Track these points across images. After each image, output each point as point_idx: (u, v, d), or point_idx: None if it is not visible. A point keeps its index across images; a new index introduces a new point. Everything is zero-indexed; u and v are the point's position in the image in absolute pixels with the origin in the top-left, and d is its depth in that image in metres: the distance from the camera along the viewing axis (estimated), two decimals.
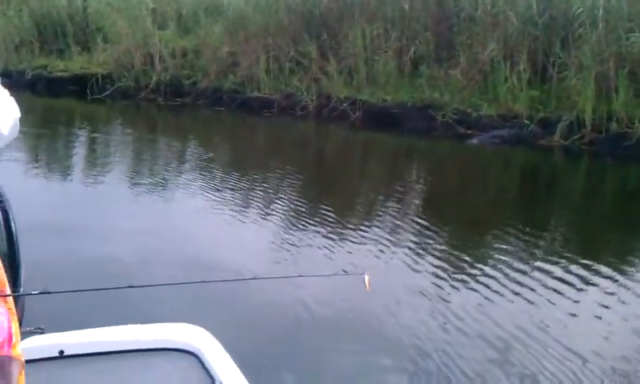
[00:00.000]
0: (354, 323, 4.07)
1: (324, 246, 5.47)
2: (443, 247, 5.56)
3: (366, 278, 3.41)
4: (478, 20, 11.02)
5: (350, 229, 5.94)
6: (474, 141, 9.65)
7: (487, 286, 4.65)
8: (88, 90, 13.30)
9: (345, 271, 4.23)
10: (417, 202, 7.06)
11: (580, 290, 4.65)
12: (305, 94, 11.98)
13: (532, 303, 4.44)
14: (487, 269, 4.99)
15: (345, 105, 11.53)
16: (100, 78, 13.52)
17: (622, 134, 9.03)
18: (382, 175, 8.62)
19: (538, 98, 10.18)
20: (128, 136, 11.29)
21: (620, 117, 9.16)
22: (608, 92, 9.46)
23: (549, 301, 4.44)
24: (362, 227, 5.99)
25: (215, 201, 6.93)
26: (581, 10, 9.87)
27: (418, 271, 4.99)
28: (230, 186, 7.52)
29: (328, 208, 6.51)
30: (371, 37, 11.91)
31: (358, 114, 11.40)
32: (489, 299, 4.47)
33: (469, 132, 10.08)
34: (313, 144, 10.81)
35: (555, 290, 4.61)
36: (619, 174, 8.68)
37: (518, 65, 10.14)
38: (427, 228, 6.00)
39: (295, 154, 9.96)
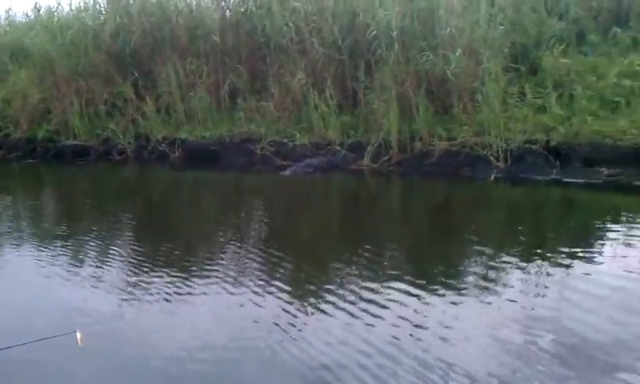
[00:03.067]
0: None
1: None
2: (286, 275, 5.49)
3: (78, 335, 3.22)
4: (287, 49, 11.12)
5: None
6: (287, 172, 9.72)
7: (343, 311, 4.61)
8: None
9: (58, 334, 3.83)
10: (236, 239, 6.81)
11: (426, 300, 4.73)
12: (122, 137, 11.62)
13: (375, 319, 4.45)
14: (331, 293, 4.95)
15: (164, 145, 11.30)
16: None
17: (425, 152, 9.39)
18: (203, 214, 8.35)
19: (349, 123, 10.42)
20: None
21: (422, 135, 9.52)
22: (410, 112, 9.81)
23: (393, 316, 4.45)
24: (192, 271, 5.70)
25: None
26: (375, 31, 10.18)
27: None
28: (60, 245, 6.91)
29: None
30: (185, 72, 11.72)
31: (177, 153, 11.22)
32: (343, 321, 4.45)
33: (284, 163, 10.14)
34: (130, 189, 10.44)
35: (401, 304, 4.65)
36: (426, 189, 9.01)
37: (324, 92, 10.28)
38: (257, 260, 5.90)
39: (113, 202, 9.52)
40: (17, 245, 6.95)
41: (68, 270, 5.92)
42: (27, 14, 15.04)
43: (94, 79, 12.17)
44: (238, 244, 6.51)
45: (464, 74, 9.72)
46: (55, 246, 6.78)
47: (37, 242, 7.05)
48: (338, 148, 10.03)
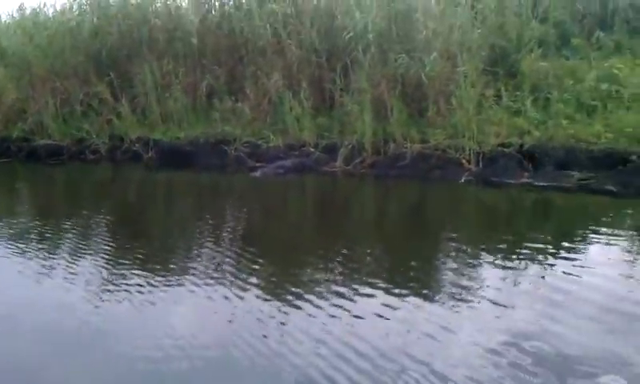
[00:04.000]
0: None
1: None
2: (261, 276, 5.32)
3: None
4: (264, 51, 11.00)
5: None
6: (257, 173, 9.54)
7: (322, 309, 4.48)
8: None
9: None
10: (209, 239, 6.58)
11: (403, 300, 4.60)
12: (96, 137, 11.46)
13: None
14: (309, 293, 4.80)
15: (137, 145, 11.14)
16: None
17: (398, 154, 9.23)
18: (174, 214, 8.14)
19: (324, 125, 10.28)
20: None
21: (396, 138, 9.37)
22: (384, 114, 9.67)
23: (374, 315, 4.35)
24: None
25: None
26: (351, 34, 10.06)
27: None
28: (31, 244, 6.63)
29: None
30: (162, 74, 11.59)
31: (150, 153, 11.05)
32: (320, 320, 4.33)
33: (257, 165, 9.98)
34: (102, 189, 10.23)
35: (376, 303, 4.54)
36: (398, 191, 8.84)
37: (300, 94, 10.15)
38: (236, 260, 5.71)
39: (87, 199, 9.33)
40: None
41: (41, 267, 5.77)
42: (12, 15, 14.91)
43: (71, 80, 12.04)
44: (212, 243, 6.30)
45: (439, 77, 9.59)
46: (28, 244, 6.58)
47: (10, 239, 6.80)
48: (312, 150, 9.86)
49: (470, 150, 8.70)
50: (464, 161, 8.69)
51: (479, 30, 9.99)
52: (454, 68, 9.57)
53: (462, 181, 8.40)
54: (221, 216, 7.82)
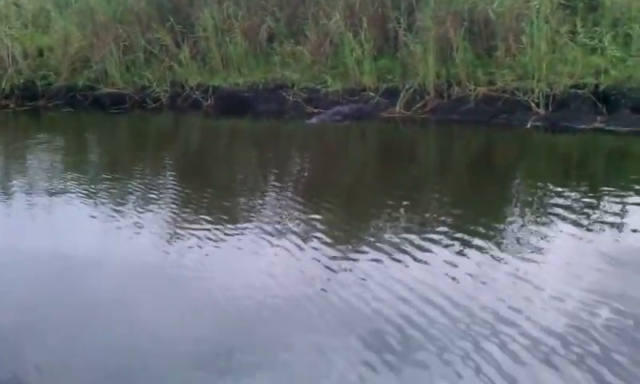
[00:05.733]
0: None
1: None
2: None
3: None
4: None
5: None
6: (314, 120, 9.16)
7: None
8: None
9: None
10: (270, 187, 6.41)
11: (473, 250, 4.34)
12: (157, 85, 11.34)
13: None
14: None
15: (197, 93, 10.96)
16: None
17: (462, 97, 8.66)
18: (233, 163, 7.94)
19: (386, 68, 9.76)
20: None
21: (461, 80, 8.77)
22: (449, 55, 9.06)
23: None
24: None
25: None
26: None
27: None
28: (101, 191, 6.65)
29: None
30: (222, 17, 11.28)
31: (210, 101, 10.84)
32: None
33: (315, 110, 9.59)
34: (166, 137, 10.13)
35: (443, 254, 4.32)
36: (463, 136, 8.31)
37: (360, 34, 9.62)
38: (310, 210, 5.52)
39: (151, 149, 9.32)
40: (63, 189, 6.73)
41: (112, 214, 5.77)
42: None
43: (133, 26, 11.90)
44: (274, 192, 6.14)
45: (509, 13, 8.84)
46: (99, 192, 6.56)
47: (82, 188, 6.76)
48: (372, 95, 9.37)
49: (539, 92, 8.00)
50: (532, 104, 8.00)
51: None
52: (526, 2, 8.79)
53: (529, 126, 7.75)
54: (281, 164, 7.53)
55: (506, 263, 4.04)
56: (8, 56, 12.56)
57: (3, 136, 10.96)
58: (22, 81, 12.51)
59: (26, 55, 12.64)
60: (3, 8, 13.39)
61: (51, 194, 6.57)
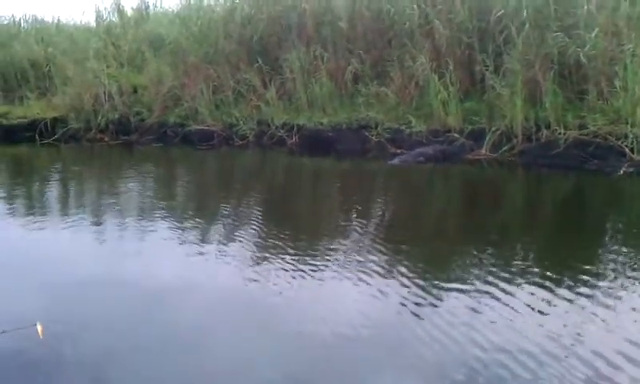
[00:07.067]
0: None
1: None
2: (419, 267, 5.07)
3: (39, 328, 3.16)
4: (411, 33, 10.56)
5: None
6: (395, 161, 9.13)
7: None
8: (36, 135, 13.07)
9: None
10: (361, 229, 6.43)
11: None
12: (243, 123, 11.63)
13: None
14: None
15: (282, 131, 11.17)
16: (49, 122, 13.29)
17: (551, 141, 8.48)
18: (317, 201, 8.07)
19: (472, 110, 9.67)
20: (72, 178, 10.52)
21: (550, 123, 8.59)
22: (538, 98, 8.91)
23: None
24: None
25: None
26: (502, 11, 9.34)
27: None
28: (190, 222, 6.85)
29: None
30: (309, 59, 11.52)
31: (294, 139, 11.02)
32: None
33: (398, 151, 9.59)
34: (252, 172, 10.36)
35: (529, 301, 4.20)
36: (553, 181, 8.12)
37: (445, 76, 9.61)
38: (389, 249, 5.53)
39: (238, 183, 9.50)
40: (154, 218, 6.99)
41: (199, 247, 5.86)
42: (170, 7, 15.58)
43: (223, 67, 12.29)
44: (357, 232, 6.09)
45: (602, 57, 8.63)
46: (188, 225, 6.69)
47: (173, 220, 6.94)
48: (457, 136, 9.29)
49: (633, 137, 7.74)
50: (626, 149, 7.73)
51: None
52: (620, 45, 8.57)
53: (622, 172, 7.48)
54: (363, 204, 7.45)
55: (596, 315, 3.88)
56: (104, 93, 13.18)
57: (98, 167, 11.45)
58: (116, 116, 13.06)
59: (121, 92, 13.22)
60: (102, 48, 14.06)
61: (140, 223, 6.79)
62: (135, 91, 13.46)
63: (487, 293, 4.29)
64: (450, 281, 4.59)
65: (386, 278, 4.73)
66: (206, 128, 12.05)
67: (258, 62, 12.00)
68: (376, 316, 4.08)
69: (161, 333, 4.04)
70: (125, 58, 14.01)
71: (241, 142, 11.53)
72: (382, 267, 4.96)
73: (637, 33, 8.56)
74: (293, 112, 11.57)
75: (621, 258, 4.90)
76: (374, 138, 10.11)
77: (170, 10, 15.08)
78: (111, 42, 14.29)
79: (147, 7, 16.31)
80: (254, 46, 12.39)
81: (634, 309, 3.96)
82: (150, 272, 5.19)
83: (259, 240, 5.96)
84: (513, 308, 4.04)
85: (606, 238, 5.64)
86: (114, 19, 16.16)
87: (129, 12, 16.29)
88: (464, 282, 4.54)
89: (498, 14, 9.48)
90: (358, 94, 11.10)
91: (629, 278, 4.47)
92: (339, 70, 11.43)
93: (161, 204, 7.84)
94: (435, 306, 4.15)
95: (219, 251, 5.65)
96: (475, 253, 5.20)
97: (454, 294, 4.33)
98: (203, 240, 6.03)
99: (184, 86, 12.59)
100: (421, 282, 4.57)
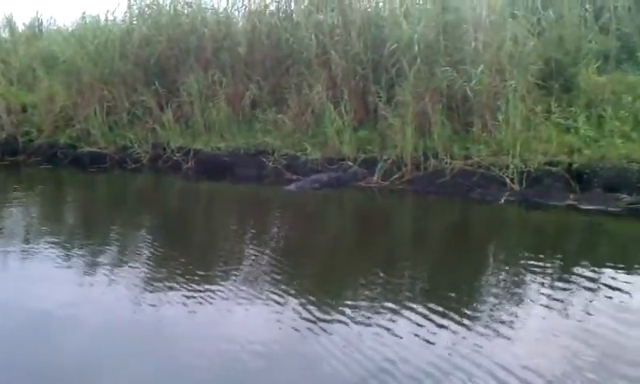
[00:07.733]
0: None
1: None
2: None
3: None
4: (308, 62, 10.72)
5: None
6: (292, 187, 9.21)
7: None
8: None
9: None
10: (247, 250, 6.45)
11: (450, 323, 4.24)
12: (138, 145, 11.41)
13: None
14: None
15: (178, 155, 11.03)
16: None
17: (439, 170, 8.77)
18: (211, 225, 7.94)
19: (366, 139, 9.89)
20: None
21: (438, 153, 8.90)
22: (427, 129, 9.22)
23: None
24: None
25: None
26: (395, 45, 9.66)
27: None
28: (77, 247, 6.63)
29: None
30: (207, 83, 11.47)
31: (190, 163, 10.90)
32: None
33: (294, 177, 9.67)
34: (144, 197, 10.13)
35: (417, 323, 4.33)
36: (439, 209, 8.38)
37: (340, 105, 9.80)
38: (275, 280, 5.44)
39: (128, 208, 9.30)
40: (40, 244, 6.72)
41: (87, 270, 5.78)
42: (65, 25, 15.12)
43: (118, 88, 12.04)
44: (250, 256, 6.17)
45: (486, 92, 9.05)
46: (74, 249, 6.51)
47: (58, 245, 6.70)
48: (351, 164, 9.47)
49: (514, 168, 8.14)
50: (507, 179, 8.12)
51: (533, 43, 9.38)
52: (503, 82, 9.02)
53: (502, 201, 7.84)
54: (258, 229, 7.53)
55: (474, 339, 4.04)
56: None
57: None
58: (3, 136, 12.52)
59: (9, 111, 12.68)
60: None
61: (25, 249, 6.53)
62: (24, 110, 12.95)
63: (371, 322, 4.38)
64: (335, 308, 4.64)
65: (279, 304, 4.77)
66: (98, 150, 11.76)
67: (154, 84, 11.84)
68: (268, 337, 4.15)
69: (43, 365, 3.87)
70: (14, 75, 13.45)
71: (134, 166, 11.31)
72: (275, 293, 4.99)
73: (518, 70, 9.04)
74: (189, 136, 11.47)
75: (501, 281, 5.16)
76: (270, 163, 10.15)
77: (65, 27, 14.61)
78: (0, 58, 13.68)
79: (41, 24, 15.78)
80: (151, 68, 12.22)
81: (508, 337, 4.11)
82: (34, 300, 4.97)
83: (151, 266, 5.86)
84: (396, 334, 4.16)
85: (484, 266, 5.84)
86: (3, 35, 15.52)
87: (20, 28, 15.71)
88: (353, 308, 4.62)
89: (392, 47, 9.76)
90: (255, 119, 11.14)
91: (501, 303, 4.67)
92: (237, 96, 11.45)
93: (47, 229, 7.55)
94: (324, 330, 4.24)
95: (108, 278, 5.51)
96: (363, 277, 5.32)
97: (337, 321, 4.41)
98: (92, 266, 5.87)
99: (77, 105, 12.25)
100: (310, 307, 4.64)
